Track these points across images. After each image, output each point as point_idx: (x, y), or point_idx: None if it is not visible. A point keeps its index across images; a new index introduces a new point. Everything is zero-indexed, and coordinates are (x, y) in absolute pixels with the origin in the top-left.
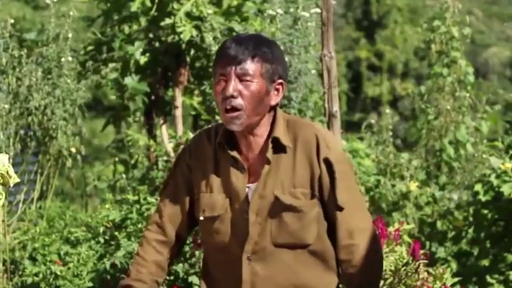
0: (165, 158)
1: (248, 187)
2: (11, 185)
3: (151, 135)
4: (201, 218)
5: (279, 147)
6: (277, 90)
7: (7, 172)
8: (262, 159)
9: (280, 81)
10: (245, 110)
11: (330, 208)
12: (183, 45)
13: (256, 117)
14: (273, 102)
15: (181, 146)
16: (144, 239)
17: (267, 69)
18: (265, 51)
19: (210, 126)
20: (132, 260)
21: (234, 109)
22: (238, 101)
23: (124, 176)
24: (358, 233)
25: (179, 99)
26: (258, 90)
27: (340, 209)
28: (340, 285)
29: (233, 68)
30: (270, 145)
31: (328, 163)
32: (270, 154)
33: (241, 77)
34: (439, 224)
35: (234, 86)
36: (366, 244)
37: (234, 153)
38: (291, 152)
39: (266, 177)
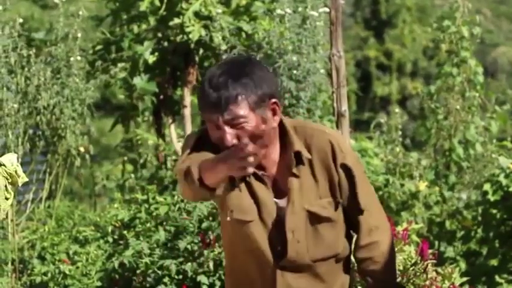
0: (173, 157)
1: (275, 200)
2: (20, 185)
3: (160, 134)
4: (228, 218)
5: (298, 160)
6: (273, 110)
7: (16, 171)
8: (282, 173)
9: (272, 101)
10: (250, 151)
11: (350, 211)
12: (192, 45)
13: (264, 150)
14: (274, 124)
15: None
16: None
17: (254, 101)
18: (245, 83)
19: None
20: (140, 259)
21: None
22: None
23: (133, 175)
24: (376, 231)
25: (188, 99)
26: (255, 126)
27: (362, 212)
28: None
29: (219, 117)
30: (293, 160)
31: (346, 168)
32: (295, 169)
33: (232, 123)
34: (447, 223)
35: (230, 134)
36: (385, 240)
37: None
38: (309, 162)
39: (293, 193)
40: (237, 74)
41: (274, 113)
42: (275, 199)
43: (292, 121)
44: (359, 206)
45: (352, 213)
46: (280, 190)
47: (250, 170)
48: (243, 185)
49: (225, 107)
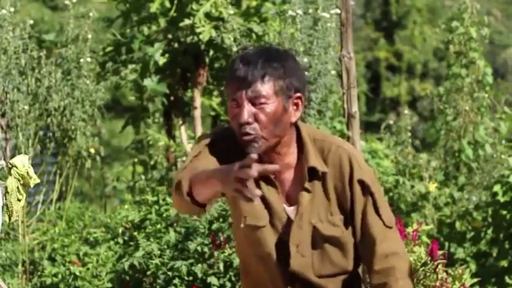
0: (184, 158)
1: (284, 206)
2: (32, 186)
3: (170, 136)
4: (242, 225)
5: (313, 174)
6: (296, 105)
7: (27, 173)
8: (294, 184)
9: (297, 95)
10: (262, 134)
11: (364, 230)
12: (202, 46)
13: (275, 139)
14: (293, 119)
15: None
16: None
17: (280, 87)
18: (276, 67)
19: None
20: (150, 260)
21: (251, 134)
22: (254, 126)
23: (143, 176)
24: (392, 256)
25: (198, 100)
26: (274, 111)
27: (389, 227)
28: None
29: (243, 92)
30: (307, 175)
31: (363, 185)
32: (308, 184)
33: (253, 101)
34: (458, 224)
35: (248, 111)
36: (401, 267)
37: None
38: (322, 177)
39: (304, 207)
40: (271, 57)
41: (297, 108)
42: (285, 205)
43: (312, 131)
44: (384, 223)
45: (370, 232)
46: (290, 197)
47: (251, 193)
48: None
49: (251, 83)
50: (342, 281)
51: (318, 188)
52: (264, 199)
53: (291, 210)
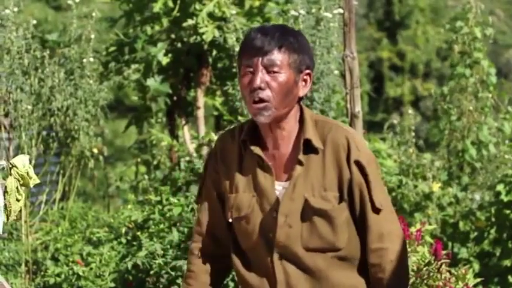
0: (187, 158)
1: (277, 187)
2: (31, 186)
3: (174, 136)
4: (230, 219)
5: (309, 149)
6: (305, 81)
7: (27, 173)
8: (291, 158)
9: (307, 71)
10: (273, 101)
11: (361, 211)
12: (205, 46)
13: (284, 109)
14: (301, 94)
15: (204, 147)
16: (190, 252)
17: (294, 60)
18: (292, 41)
19: (234, 125)
20: (154, 260)
21: (262, 100)
22: (266, 93)
23: (146, 176)
24: (388, 237)
25: (201, 100)
26: (286, 81)
27: (378, 211)
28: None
29: (259, 59)
30: (302, 147)
31: (360, 166)
32: (301, 156)
33: (268, 68)
34: (461, 224)
35: (261, 77)
36: (395, 248)
37: (258, 151)
38: (321, 154)
39: (297, 179)
40: (288, 32)
41: (305, 84)
42: (278, 182)
43: (315, 115)
44: (374, 205)
45: (362, 212)
46: (285, 174)
47: None
48: (241, 184)
49: (267, 52)
50: (333, 260)
51: (315, 163)
52: (256, 186)
53: (283, 185)
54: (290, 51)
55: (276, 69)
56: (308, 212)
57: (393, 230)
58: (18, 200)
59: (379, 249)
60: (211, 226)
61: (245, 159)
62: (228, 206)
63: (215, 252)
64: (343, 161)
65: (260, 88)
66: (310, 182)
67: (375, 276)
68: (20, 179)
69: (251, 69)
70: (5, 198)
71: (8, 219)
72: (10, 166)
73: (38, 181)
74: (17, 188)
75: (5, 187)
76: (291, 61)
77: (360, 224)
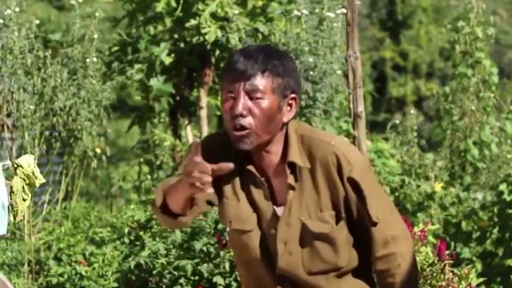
0: None
1: (273, 208)
2: (37, 186)
3: (176, 135)
4: (228, 228)
5: (297, 170)
6: (290, 105)
7: (33, 173)
8: (283, 182)
9: (292, 95)
10: (255, 128)
11: (361, 224)
12: (208, 46)
13: (267, 136)
14: (285, 119)
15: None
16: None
17: (278, 84)
18: (276, 64)
19: (222, 130)
20: (156, 260)
21: (244, 128)
22: (248, 120)
23: (149, 176)
24: (392, 242)
25: (204, 100)
26: (269, 107)
27: (375, 224)
28: None
29: (242, 84)
30: (288, 170)
31: (353, 182)
32: (291, 180)
33: (250, 94)
34: (463, 224)
35: (243, 103)
36: (402, 251)
37: (251, 168)
38: (311, 173)
39: (291, 203)
40: (272, 55)
41: (290, 109)
42: (275, 207)
43: (300, 127)
44: (371, 219)
45: (362, 226)
46: (281, 197)
47: (207, 189)
48: (241, 194)
49: (250, 77)
50: (334, 277)
51: (307, 184)
52: (253, 203)
53: (281, 210)
54: (274, 75)
55: (258, 95)
56: (307, 237)
57: (397, 232)
58: (24, 200)
59: (386, 256)
60: None
61: (244, 172)
62: (226, 213)
63: None
64: (336, 178)
65: (242, 115)
66: (305, 205)
67: (384, 282)
68: (25, 178)
69: (233, 95)
70: (11, 199)
71: (15, 219)
72: (15, 166)
73: (43, 180)
74: (23, 187)
75: (11, 187)
76: (274, 86)
77: (362, 236)
